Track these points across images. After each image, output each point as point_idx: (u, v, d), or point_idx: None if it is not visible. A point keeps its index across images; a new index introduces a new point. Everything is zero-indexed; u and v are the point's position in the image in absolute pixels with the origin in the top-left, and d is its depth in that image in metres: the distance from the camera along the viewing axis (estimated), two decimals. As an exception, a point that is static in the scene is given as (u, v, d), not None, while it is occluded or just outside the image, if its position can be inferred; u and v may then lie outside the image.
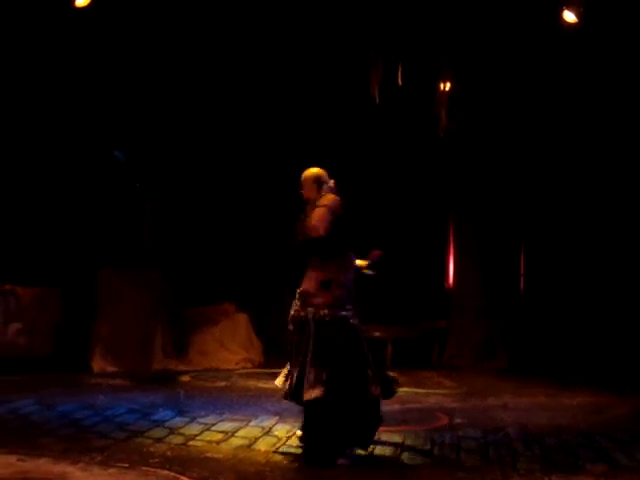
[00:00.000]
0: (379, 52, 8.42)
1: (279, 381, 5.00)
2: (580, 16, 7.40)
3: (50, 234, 9.00)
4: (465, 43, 8.74)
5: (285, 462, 4.66)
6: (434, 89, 8.93)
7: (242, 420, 5.64)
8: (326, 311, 4.76)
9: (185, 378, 8.25)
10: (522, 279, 10.02)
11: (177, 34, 8.58)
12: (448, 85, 8.93)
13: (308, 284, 4.86)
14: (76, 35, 8.23)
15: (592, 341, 8.91)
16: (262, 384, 7.56)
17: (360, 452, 4.82)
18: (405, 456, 4.83)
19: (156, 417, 5.74)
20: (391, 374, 5.08)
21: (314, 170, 5.18)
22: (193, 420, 5.66)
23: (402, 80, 8.42)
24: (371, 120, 9.46)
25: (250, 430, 5.39)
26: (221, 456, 4.75)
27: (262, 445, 5.02)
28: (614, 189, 9.23)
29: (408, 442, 5.10)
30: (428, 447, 5.02)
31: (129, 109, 9.31)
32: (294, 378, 4.79)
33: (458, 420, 5.97)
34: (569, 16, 7.47)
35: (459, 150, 9.75)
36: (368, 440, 4.88)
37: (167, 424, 5.52)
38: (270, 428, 5.45)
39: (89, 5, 7.13)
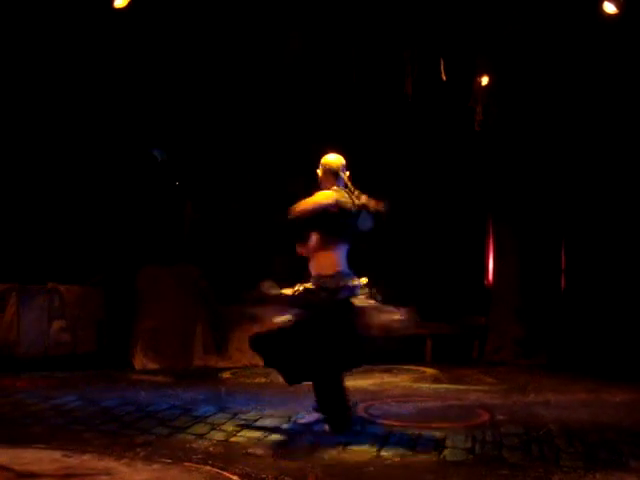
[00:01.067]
0: (414, 47, 8.37)
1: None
2: (621, 7, 7.27)
3: (92, 233, 9.13)
4: (503, 35, 8.64)
5: (326, 458, 4.67)
6: (470, 83, 8.86)
7: (282, 417, 5.67)
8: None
9: (225, 375, 8.32)
10: (563, 276, 9.90)
11: (215, 33, 8.63)
12: (485, 79, 8.86)
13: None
14: (116, 35, 8.32)
15: (634, 338, 8.77)
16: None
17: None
18: (446, 453, 4.81)
19: (198, 413, 5.80)
20: None
21: (337, 161, 5.33)
22: (234, 416, 5.72)
23: (439, 75, 8.37)
24: (407, 117, 9.42)
25: (291, 426, 5.42)
26: (262, 452, 4.78)
27: (303, 441, 5.04)
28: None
29: (449, 439, 5.08)
30: (469, 444, 4.99)
31: (168, 108, 9.39)
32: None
33: (499, 417, 5.92)
34: (609, 7, 7.34)
35: (497, 146, 9.65)
36: None
37: (209, 420, 5.58)
38: (310, 425, 5.46)
39: (128, 6, 7.22)
